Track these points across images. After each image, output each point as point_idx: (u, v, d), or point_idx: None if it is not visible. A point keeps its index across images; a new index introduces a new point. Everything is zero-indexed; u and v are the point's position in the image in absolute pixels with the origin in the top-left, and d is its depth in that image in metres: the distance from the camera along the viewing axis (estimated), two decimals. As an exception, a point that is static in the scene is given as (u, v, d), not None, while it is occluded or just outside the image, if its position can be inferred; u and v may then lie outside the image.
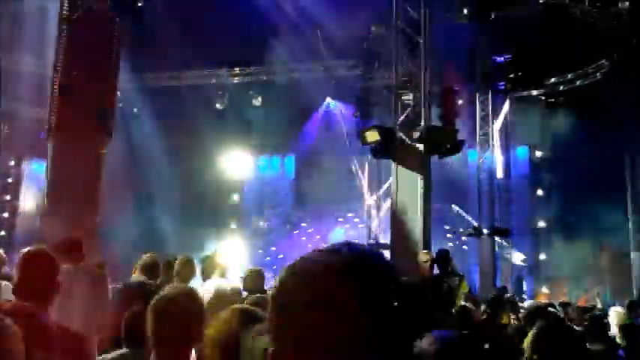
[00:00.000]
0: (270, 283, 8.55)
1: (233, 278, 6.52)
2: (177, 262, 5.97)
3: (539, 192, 23.03)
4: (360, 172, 20.94)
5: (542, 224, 22.76)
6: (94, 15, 8.68)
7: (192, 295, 2.62)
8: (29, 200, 19.19)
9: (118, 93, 9.57)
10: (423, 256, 7.50)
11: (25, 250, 3.24)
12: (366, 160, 19.45)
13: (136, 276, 5.81)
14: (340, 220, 23.49)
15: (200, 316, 2.53)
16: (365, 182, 20.66)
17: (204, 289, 5.37)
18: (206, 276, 5.78)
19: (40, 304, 2.73)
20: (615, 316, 7.12)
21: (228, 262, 6.24)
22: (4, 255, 6.06)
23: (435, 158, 10.31)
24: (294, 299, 1.01)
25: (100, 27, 8.65)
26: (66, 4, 8.58)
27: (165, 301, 2.49)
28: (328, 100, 22.01)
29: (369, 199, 20.26)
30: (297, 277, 1.04)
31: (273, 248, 24.02)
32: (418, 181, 9.60)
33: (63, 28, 8.55)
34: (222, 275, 5.68)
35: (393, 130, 9.98)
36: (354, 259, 1.05)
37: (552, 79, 19.12)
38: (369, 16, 17.84)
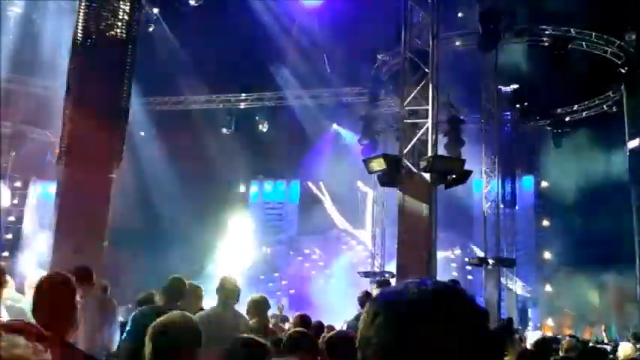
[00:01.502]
0: (273, 311, 8.47)
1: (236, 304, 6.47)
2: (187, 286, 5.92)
3: (545, 222, 22.97)
4: (365, 199, 20.96)
5: (547, 255, 22.65)
6: (106, 40, 8.77)
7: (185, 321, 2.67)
8: (34, 222, 19.24)
9: (128, 116, 9.65)
10: None
11: (45, 274, 3.23)
12: (372, 187, 19.48)
13: (158, 299, 5.78)
14: (344, 247, 23.43)
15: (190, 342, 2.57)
16: (370, 209, 20.65)
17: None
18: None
19: (58, 328, 2.72)
20: (623, 349, 7.06)
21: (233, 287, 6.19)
22: (10, 279, 6.04)
23: (441, 187, 10.33)
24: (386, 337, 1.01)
25: (111, 52, 8.73)
26: (79, 29, 8.68)
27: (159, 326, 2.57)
28: (335, 126, 22.12)
29: (375, 227, 20.23)
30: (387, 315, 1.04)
31: (277, 274, 23.95)
32: (424, 210, 9.59)
33: (75, 53, 8.63)
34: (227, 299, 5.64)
35: (399, 158, 10.00)
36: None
37: (558, 110, 19.19)
38: (376, 44, 18.02)
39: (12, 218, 19.81)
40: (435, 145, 9.96)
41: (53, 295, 2.84)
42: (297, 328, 4.29)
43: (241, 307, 6.10)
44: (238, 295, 5.62)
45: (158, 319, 2.64)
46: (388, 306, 1.05)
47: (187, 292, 5.77)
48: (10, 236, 19.47)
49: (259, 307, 5.94)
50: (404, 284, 1.09)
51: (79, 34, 8.58)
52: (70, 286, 2.89)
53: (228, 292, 5.51)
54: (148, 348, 2.53)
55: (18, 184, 20.22)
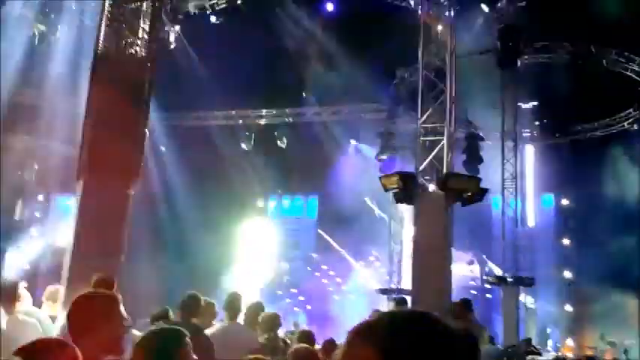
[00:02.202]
0: (288, 327, 8.51)
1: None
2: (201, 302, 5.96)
3: (565, 241, 22.71)
4: (382, 216, 20.93)
5: (568, 275, 22.37)
6: (126, 57, 8.93)
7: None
8: (55, 235, 19.46)
9: (147, 132, 9.77)
10: (456, 308, 7.27)
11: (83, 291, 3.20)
12: (390, 205, 19.43)
13: (173, 315, 5.84)
14: (362, 263, 23.36)
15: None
16: (388, 226, 20.59)
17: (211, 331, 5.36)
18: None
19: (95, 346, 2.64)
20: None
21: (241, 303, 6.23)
22: (26, 293, 6.12)
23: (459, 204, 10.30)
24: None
25: (131, 69, 8.88)
26: (100, 46, 8.85)
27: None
28: (353, 142, 22.16)
29: (392, 244, 20.17)
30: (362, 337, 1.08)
31: (294, 290, 23.93)
32: (439, 227, 9.57)
33: (95, 69, 8.80)
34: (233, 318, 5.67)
35: (415, 176, 10.00)
36: (420, 317, 1.12)
37: (578, 127, 19.04)
38: (395, 60, 18.08)
39: (34, 231, 20.09)
40: (450, 162, 9.94)
41: (82, 311, 2.78)
42: (301, 345, 4.29)
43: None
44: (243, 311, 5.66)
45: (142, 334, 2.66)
46: (358, 334, 1.09)
47: (203, 308, 5.82)
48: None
49: (270, 323, 5.96)
50: (376, 313, 1.15)
51: (99, 51, 8.76)
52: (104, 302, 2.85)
53: (236, 309, 5.55)
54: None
55: (40, 197, 20.52)
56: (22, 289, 6.14)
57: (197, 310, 5.60)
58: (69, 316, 2.80)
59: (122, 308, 2.85)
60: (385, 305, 17.39)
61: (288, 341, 6.49)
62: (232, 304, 5.68)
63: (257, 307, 6.17)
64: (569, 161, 19.26)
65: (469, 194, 10.00)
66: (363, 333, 1.10)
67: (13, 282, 5.62)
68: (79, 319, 2.75)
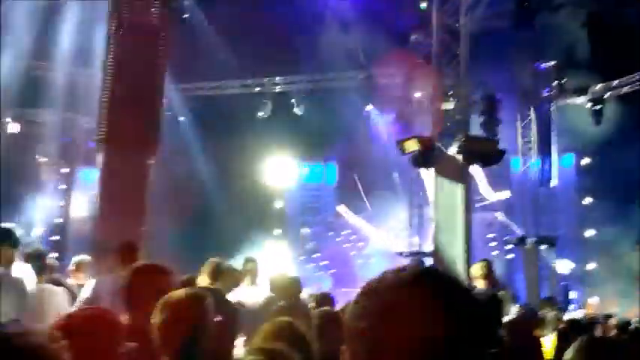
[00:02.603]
0: (310, 290, 8.65)
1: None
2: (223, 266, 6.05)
3: (587, 200, 22.58)
4: (400, 180, 20.95)
5: (590, 233, 22.29)
6: (140, 28, 8.98)
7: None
8: (80, 206, 19.85)
9: (164, 103, 9.87)
10: (476, 270, 7.31)
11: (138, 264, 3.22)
12: (409, 168, 19.43)
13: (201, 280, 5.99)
14: (382, 227, 23.46)
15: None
16: (407, 190, 20.64)
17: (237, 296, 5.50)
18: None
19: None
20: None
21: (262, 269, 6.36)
22: (55, 261, 6.32)
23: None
24: (374, 312, 1.06)
25: (147, 39, 8.94)
26: (114, 18, 8.91)
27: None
28: (369, 107, 22.07)
29: (412, 207, 20.24)
30: (375, 293, 1.10)
31: (316, 255, 24.17)
32: (458, 190, 9.60)
33: (110, 41, 8.87)
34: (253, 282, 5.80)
35: (432, 140, 10.01)
36: (426, 271, 1.12)
37: (597, 86, 18.74)
38: (409, 24, 17.87)
39: (61, 203, 20.50)
40: (466, 125, 9.93)
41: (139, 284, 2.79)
42: (323, 308, 4.41)
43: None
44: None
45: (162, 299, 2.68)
46: (367, 295, 1.14)
47: (226, 273, 5.97)
48: (61, 220, 20.17)
49: (291, 288, 6.10)
50: (384, 273, 1.19)
51: (113, 23, 8.83)
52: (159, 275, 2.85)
53: (253, 273, 5.70)
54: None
55: (65, 169, 20.86)
56: (51, 259, 6.36)
57: (219, 275, 5.76)
58: (126, 286, 2.87)
59: (174, 280, 2.90)
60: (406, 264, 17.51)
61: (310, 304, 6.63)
62: (249, 269, 5.83)
63: (289, 280, 6.27)
64: (589, 120, 19.02)
65: (487, 156, 10.00)
66: (368, 291, 1.14)
67: (42, 252, 5.82)
68: (136, 289, 2.85)
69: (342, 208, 23.14)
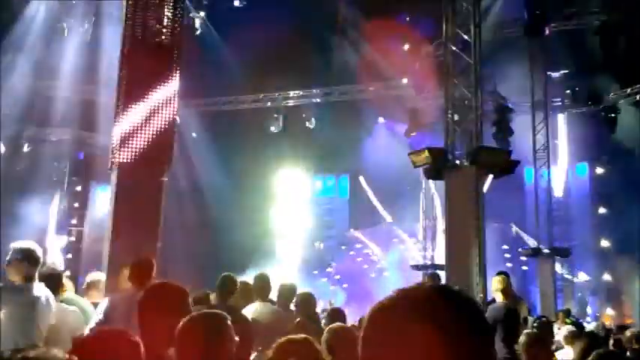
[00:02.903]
0: (324, 305, 8.63)
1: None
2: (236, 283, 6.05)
3: (602, 210, 22.39)
4: (413, 192, 20.88)
5: (605, 244, 22.08)
6: (152, 46, 9.02)
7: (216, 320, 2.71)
8: (93, 224, 19.95)
9: (177, 119, 9.92)
10: (493, 283, 7.28)
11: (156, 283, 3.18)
12: (422, 181, 19.38)
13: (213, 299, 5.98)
14: (395, 240, 23.38)
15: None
16: (420, 202, 20.57)
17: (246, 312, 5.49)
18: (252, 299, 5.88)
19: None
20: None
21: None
22: (68, 281, 6.31)
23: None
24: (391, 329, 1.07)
25: (158, 58, 8.98)
26: (127, 37, 8.97)
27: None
28: (381, 120, 22.09)
29: (425, 220, 20.16)
30: (388, 311, 1.11)
31: (330, 269, 24.11)
32: (471, 201, 9.55)
33: (123, 60, 8.94)
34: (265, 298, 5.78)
35: (444, 151, 9.97)
36: (439, 290, 1.12)
37: (610, 95, 18.63)
38: (421, 35, 17.91)
39: (74, 221, 20.57)
40: (479, 136, 9.89)
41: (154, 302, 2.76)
42: (337, 323, 4.37)
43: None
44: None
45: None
46: (380, 312, 1.14)
47: (239, 289, 5.96)
48: (73, 239, 20.25)
49: (306, 303, 6.08)
50: (397, 291, 1.18)
51: (126, 42, 8.90)
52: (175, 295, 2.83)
53: (265, 289, 5.68)
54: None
55: (78, 188, 20.98)
56: (65, 278, 6.36)
57: (233, 291, 5.75)
58: (140, 305, 2.85)
59: (190, 301, 2.88)
60: (420, 280, 17.44)
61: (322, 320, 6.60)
62: (261, 285, 5.82)
63: (290, 288, 6.28)
64: (602, 129, 18.90)
65: (500, 167, 9.95)
66: (381, 309, 1.14)
67: (57, 271, 5.83)
68: (150, 309, 2.83)
69: (356, 232, 23.15)
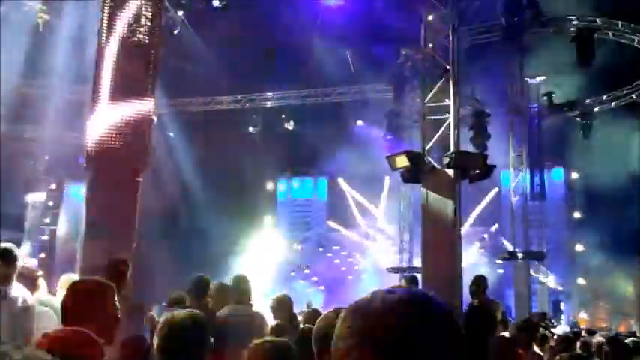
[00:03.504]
0: (301, 308, 8.58)
1: (260, 304, 6.58)
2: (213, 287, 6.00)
3: (576, 214, 22.70)
4: (391, 194, 20.97)
5: (580, 248, 22.38)
6: (129, 45, 8.95)
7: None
8: (67, 224, 19.72)
9: (155, 119, 9.83)
10: (470, 286, 7.35)
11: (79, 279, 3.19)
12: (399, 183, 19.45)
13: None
14: (372, 242, 23.46)
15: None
16: (400, 205, 20.63)
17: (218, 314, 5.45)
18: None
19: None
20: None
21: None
22: (42, 281, 6.21)
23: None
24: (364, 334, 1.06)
25: (135, 57, 8.91)
26: (103, 35, 8.89)
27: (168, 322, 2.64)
28: (359, 122, 22.16)
29: (401, 222, 20.23)
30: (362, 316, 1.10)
31: (306, 271, 24.10)
32: (448, 205, 9.60)
33: (99, 58, 8.85)
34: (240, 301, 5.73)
35: (422, 155, 10.02)
36: (413, 295, 1.12)
37: (586, 100, 18.91)
38: (399, 39, 17.98)
39: (47, 220, 20.30)
40: (457, 140, 9.95)
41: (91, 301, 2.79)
42: (307, 325, 4.35)
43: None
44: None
45: (163, 319, 2.71)
46: (353, 314, 1.13)
47: (213, 289, 5.90)
48: (46, 237, 19.98)
49: (281, 305, 6.04)
50: (372, 293, 1.17)
51: (102, 40, 8.81)
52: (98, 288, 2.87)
53: (242, 291, 5.64)
54: (156, 345, 2.63)
55: (53, 186, 20.70)
56: (39, 278, 6.26)
57: (206, 292, 5.70)
58: (63, 304, 2.83)
59: (115, 297, 2.88)
60: (397, 283, 17.50)
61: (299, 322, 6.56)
62: (238, 287, 5.77)
63: (283, 298, 6.23)
64: (578, 134, 19.17)
65: (476, 171, 10.02)
66: (354, 312, 1.13)
67: (31, 271, 5.73)
68: (73, 306, 2.81)
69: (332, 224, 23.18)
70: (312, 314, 5.82)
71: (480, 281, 7.25)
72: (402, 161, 9.94)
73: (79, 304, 2.76)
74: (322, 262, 24.12)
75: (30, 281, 5.29)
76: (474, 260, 20.62)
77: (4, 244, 4.74)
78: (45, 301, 5.60)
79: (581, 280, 22.24)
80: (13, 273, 4.60)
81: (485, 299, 7.11)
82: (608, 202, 19.75)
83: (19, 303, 4.55)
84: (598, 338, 7.56)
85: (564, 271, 22.18)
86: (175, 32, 17.87)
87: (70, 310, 2.75)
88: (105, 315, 2.73)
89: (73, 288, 2.91)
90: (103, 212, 7.67)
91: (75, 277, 6.88)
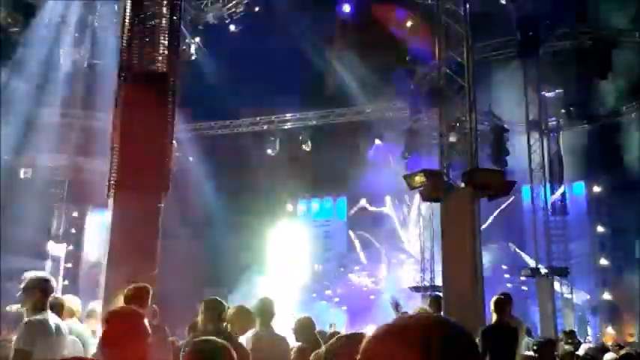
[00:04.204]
0: (325, 329, 8.54)
1: (283, 326, 6.56)
2: (233, 311, 5.97)
3: (600, 228, 22.40)
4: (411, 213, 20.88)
5: (604, 262, 22.05)
6: (148, 73, 9.09)
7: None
8: (92, 250, 19.88)
9: (175, 144, 9.96)
10: (492, 305, 7.27)
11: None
12: (419, 202, 19.40)
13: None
14: (394, 261, 23.35)
15: None
16: (420, 223, 20.55)
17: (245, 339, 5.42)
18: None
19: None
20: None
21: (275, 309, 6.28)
22: (72, 306, 6.27)
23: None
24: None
25: (154, 84, 9.04)
26: (123, 64, 9.04)
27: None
28: (377, 141, 22.18)
29: (423, 240, 20.12)
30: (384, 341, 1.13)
31: (328, 292, 24.02)
32: (467, 223, 9.54)
33: (119, 86, 9.00)
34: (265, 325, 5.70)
35: (440, 173, 10.00)
36: (433, 321, 1.14)
37: (605, 112, 18.76)
38: (415, 57, 18.04)
39: (71, 247, 20.49)
40: (474, 157, 9.92)
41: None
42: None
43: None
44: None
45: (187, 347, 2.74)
46: (375, 337, 1.15)
47: (234, 313, 5.88)
48: (70, 265, 20.15)
49: (304, 328, 6.02)
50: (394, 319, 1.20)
51: (122, 69, 8.97)
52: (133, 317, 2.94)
53: (268, 314, 5.62)
54: None
55: (75, 213, 20.93)
56: (73, 303, 6.32)
57: (221, 315, 5.63)
58: (103, 333, 2.95)
59: (147, 323, 2.96)
60: (420, 303, 17.36)
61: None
62: (263, 310, 5.74)
63: (307, 321, 6.20)
64: (598, 147, 19.00)
65: (495, 188, 9.96)
66: (376, 337, 1.15)
67: (59, 300, 5.80)
68: (109, 335, 2.90)
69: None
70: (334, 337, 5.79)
71: (499, 301, 7.16)
72: (420, 180, 9.92)
73: (115, 331, 2.88)
74: (343, 282, 24.03)
75: (57, 309, 5.37)
76: (495, 276, 20.42)
77: (40, 274, 4.85)
78: (71, 329, 5.67)
79: (607, 295, 21.88)
80: (47, 301, 4.70)
81: (505, 319, 7.04)
82: (632, 214, 19.48)
83: (58, 331, 4.62)
84: (610, 356, 7.44)
85: (590, 286, 21.84)
86: (193, 58, 18.17)
87: (107, 339, 2.87)
88: (138, 342, 2.83)
89: (110, 316, 3.02)
90: (124, 238, 7.76)
91: (98, 305, 6.97)
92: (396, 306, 8.31)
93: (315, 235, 24.91)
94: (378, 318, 19.21)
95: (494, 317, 7.05)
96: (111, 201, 8.11)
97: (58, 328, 4.62)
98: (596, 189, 22.00)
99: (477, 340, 7.54)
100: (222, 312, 5.45)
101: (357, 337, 3.45)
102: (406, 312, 7.30)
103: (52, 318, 4.63)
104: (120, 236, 7.73)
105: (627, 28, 16.62)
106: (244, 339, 5.42)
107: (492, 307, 7.15)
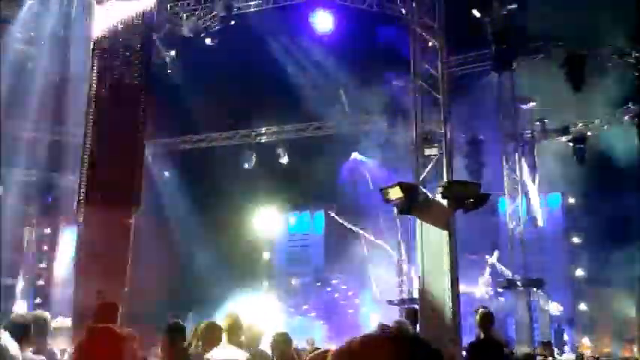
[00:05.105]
0: (301, 344, 8.45)
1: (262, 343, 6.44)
2: (202, 327, 5.91)
3: (575, 239, 22.58)
4: (388, 226, 20.84)
5: (580, 273, 22.21)
6: (121, 88, 8.99)
7: None
8: (63, 268, 19.47)
9: (149, 158, 9.85)
10: (479, 319, 7.19)
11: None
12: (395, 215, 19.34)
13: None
14: (372, 275, 23.26)
15: None
16: (398, 236, 20.50)
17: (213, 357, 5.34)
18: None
19: None
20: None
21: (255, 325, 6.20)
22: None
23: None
24: None
25: (127, 99, 8.94)
26: (94, 79, 8.93)
27: None
28: (354, 154, 22.17)
29: (400, 254, 20.07)
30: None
31: (305, 306, 23.84)
32: (444, 236, 9.51)
33: (92, 101, 8.87)
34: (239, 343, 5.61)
35: (416, 186, 9.96)
36: (402, 337, 1.17)
37: (580, 124, 18.97)
38: (390, 70, 18.12)
39: (43, 265, 20.04)
40: (450, 169, 9.91)
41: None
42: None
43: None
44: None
45: None
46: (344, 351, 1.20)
47: (203, 329, 5.79)
48: (42, 282, 19.71)
49: (280, 344, 5.97)
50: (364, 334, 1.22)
51: (94, 84, 8.85)
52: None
53: (234, 329, 5.55)
54: None
55: (47, 230, 20.53)
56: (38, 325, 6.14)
57: (182, 336, 5.57)
58: (79, 350, 2.82)
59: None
60: (397, 316, 17.28)
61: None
62: (230, 325, 5.68)
63: (282, 337, 6.14)
64: (573, 159, 19.16)
65: (471, 200, 9.93)
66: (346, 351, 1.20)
67: (25, 320, 5.62)
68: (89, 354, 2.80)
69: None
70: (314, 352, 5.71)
71: (485, 315, 7.11)
72: (396, 193, 9.85)
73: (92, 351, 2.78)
74: (321, 296, 23.87)
75: (21, 331, 5.21)
76: (473, 289, 20.45)
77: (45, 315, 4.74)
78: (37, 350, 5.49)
79: (583, 306, 22.02)
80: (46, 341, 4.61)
81: (491, 333, 7.01)
82: (607, 226, 19.67)
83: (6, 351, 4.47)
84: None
85: (566, 297, 21.97)
86: (168, 72, 18.03)
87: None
88: None
89: (89, 337, 2.93)
90: (92, 255, 7.60)
91: (66, 322, 6.78)
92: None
93: (292, 250, 24.77)
94: (356, 332, 19.04)
95: (480, 332, 7.00)
96: (79, 218, 7.96)
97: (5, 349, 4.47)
98: (572, 200, 22.20)
99: (463, 354, 7.50)
100: (181, 333, 5.40)
101: (320, 356, 3.37)
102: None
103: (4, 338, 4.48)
104: (89, 252, 7.57)
105: (601, 41, 16.84)
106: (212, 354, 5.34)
107: (478, 321, 7.09)
